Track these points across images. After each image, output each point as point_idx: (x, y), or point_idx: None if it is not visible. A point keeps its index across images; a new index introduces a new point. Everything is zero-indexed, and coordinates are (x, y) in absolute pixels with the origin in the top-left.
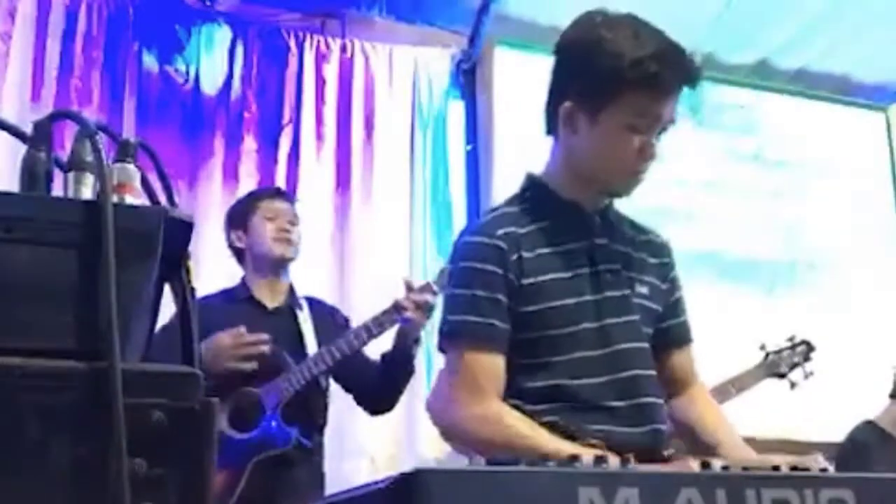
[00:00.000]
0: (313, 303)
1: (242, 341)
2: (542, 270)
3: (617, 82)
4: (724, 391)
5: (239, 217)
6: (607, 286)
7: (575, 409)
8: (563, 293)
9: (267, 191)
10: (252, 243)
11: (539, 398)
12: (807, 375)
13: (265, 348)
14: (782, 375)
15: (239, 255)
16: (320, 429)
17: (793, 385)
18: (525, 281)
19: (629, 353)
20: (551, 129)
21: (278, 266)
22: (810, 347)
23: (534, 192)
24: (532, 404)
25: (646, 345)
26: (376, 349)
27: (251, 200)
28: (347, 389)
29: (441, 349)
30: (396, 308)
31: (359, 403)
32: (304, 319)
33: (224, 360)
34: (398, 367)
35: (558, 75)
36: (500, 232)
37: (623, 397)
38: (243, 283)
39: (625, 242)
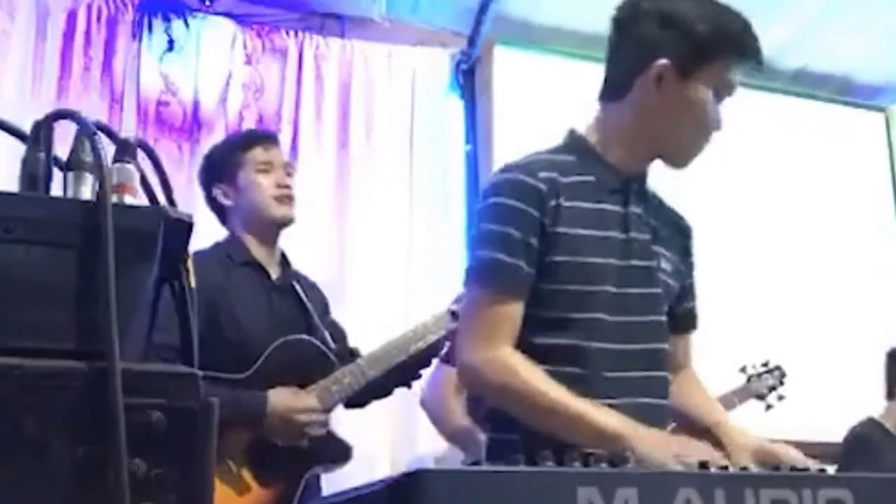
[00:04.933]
0: (298, 276)
1: (314, 420)
2: (576, 223)
3: (717, 47)
4: None
5: (223, 168)
6: (635, 255)
7: (577, 376)
8: (592, 251)
9: (252, 135)
10: (246, 202)
11: (548, 356)
12: (780, 398)
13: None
14: (762, 397)
15: (222, 212)
16: None
17: (768, 407)
18: (558, 229)
19: (645, 325)
20: (617, 90)
21: (278, 228)
22: (783, 373)
23: (578, 148)
24: (539, 361)
25: (663, 318)
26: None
27: (237, 151)
28: None
29: (464, 283)
30: (453, 315)
31: None
32: (303, 295)
33: (291, 437)
34: (410, 375)
35: (644, 39)
36: (543, 175)
37: (629, 368)
38: (238, 243)
39: (655, 216)
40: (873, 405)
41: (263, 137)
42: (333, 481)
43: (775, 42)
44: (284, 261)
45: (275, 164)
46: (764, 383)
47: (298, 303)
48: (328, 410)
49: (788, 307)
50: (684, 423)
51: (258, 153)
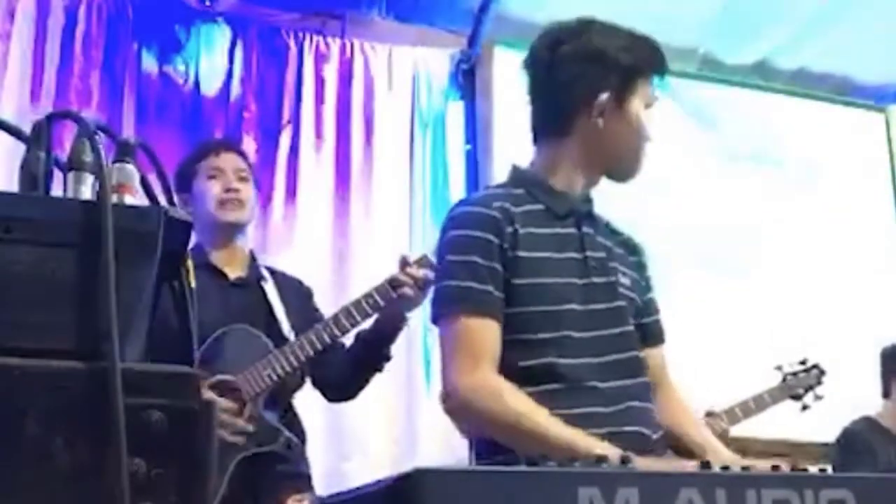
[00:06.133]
0: (276, 273)
1: (232, 423)
2: (534, 248)
3: (640, 69)
4: (745, 409)
5: (182, 179)
6: (594, 273)
7: (562, 391)
8: (553, 272)
9: (209, 144)
10: (198, 209)
11: (529, 378)
12: (817, 398)
13: (249, 428)
14: (798, 398)
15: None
16: (294, 414)
17: (805, 408)
18: (519, 253)
19: (615, 337)
20: (557, 131)
21: (230, 231)
22: (822, 371)
23: (524, 181)
24: (521, 384)
25: (631, 328)
26: None
27: (192, 159)
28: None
29: (435, 317)
30: (392, 284)
31: (317, 388)
32: (272, 292)
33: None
34: (376, 352)
35: (577, 80)
36: (497, 204)
37: (608, 378)
38: (199, 247)
39: (606, 236)
40: (874, 405)
41: (216, 144)
42: (334, 481)
43: (775, 42)
44: (252, 261)
45: (225, 170)
46: (801, 382)
47: (261, 299)
48: (259, 395)
49: (787, 307)
50: (668, 442)
51: (211, 160)
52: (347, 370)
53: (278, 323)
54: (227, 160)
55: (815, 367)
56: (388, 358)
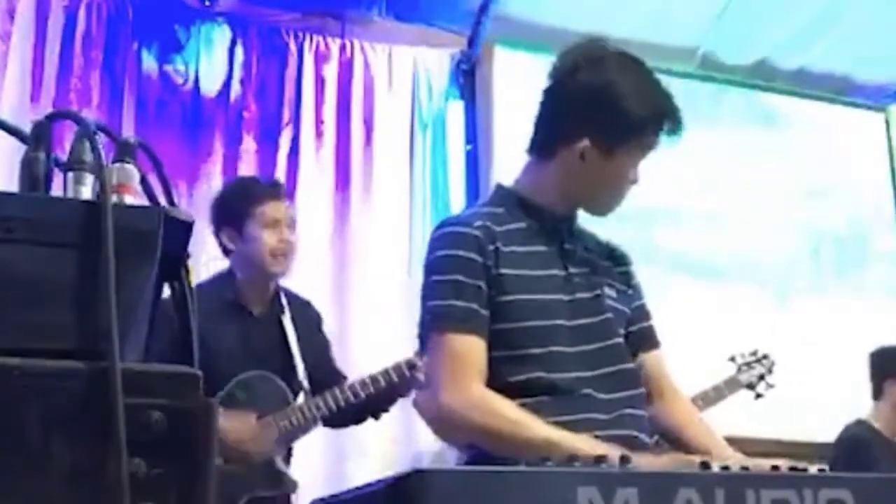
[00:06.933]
0: (291, 298)
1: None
2: (517, 265)
3: (639, 130)
4: (706, 399)
5: (232, 216)
6: (579, 288)
7: (555, 401)
8: (538, 289)
9: (265, 190)
10: (246, 250)
11: (519, 391)
12: (769, 386)
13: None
14: (752, 387)
15: (227, 251)
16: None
17: (758, 396)
18: (502, 271)
19: (603, 350)
20: (543, 153)
21: (272, 279)
22: (772, 361)
23: (506, 199)
24: (513, 397)
25: (620, 340)
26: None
27: (248, 202)
28: None
29: (422, 337)
30: (409, 365)
31: None
32: (288, 324)
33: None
34: (377, 408)
35: (575, 113)
36: (478, 223)
37: (601, 390)
38: (231, 283)
39: (589, 250)
40: (866, 406)
41: (274, 192)
42: (334, 481)
43: (775, 42)
44: (276, 294)
45: (281, 221)
46: (753, 372)
47: (280, 335)
48: (273, 441)
49: (786, 306)
50: (678, 448)
51: (268, 209)
52: (348, 416)
53: (291, 356)
54: (283, 210)
55: (765, 357)
56: (387, 411)
